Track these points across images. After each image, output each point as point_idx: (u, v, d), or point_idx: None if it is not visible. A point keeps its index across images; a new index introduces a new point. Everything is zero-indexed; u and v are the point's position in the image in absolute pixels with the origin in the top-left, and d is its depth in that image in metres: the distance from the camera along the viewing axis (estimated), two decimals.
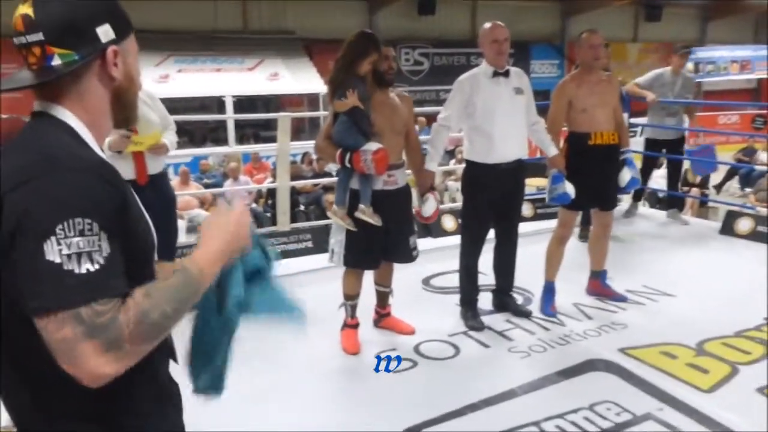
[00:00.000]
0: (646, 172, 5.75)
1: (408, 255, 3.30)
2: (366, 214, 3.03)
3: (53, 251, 0.91)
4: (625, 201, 5.82)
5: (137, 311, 0.96)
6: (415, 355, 3.18)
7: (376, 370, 3.07)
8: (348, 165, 2.99)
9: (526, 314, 3.64)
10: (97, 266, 0.93)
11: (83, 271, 0.92)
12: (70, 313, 0.91)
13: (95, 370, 0.93)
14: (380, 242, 3.14)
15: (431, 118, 3.67)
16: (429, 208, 3.35)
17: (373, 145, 2.93)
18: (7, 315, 0.99)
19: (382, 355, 3.15)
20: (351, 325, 3.31)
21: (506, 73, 3.38)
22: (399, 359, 3.13)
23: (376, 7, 13.97)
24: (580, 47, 3.62)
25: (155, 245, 1.16)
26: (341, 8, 13.61)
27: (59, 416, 1.04)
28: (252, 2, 12.85)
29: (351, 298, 3.28)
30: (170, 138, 3.52)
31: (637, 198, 5.93)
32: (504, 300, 3.73)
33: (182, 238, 4.19)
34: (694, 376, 2.91)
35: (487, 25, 3.40)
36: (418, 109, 3.67)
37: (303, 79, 12.23)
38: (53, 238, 0.92)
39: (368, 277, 3.37)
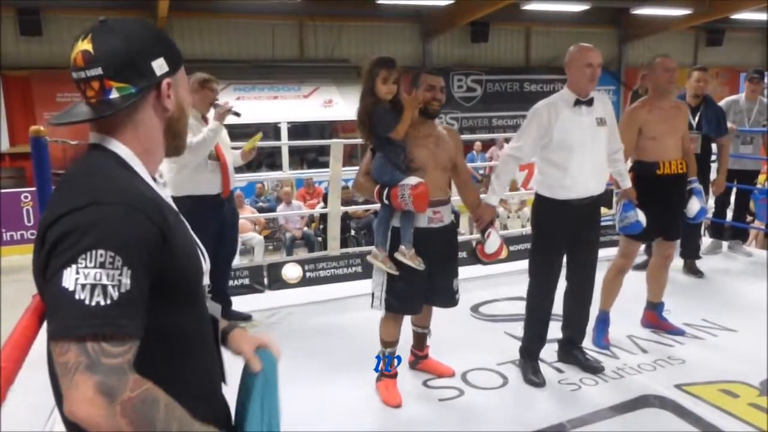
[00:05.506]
0: (724, 204, 5.53)
1: (450, 299, 3.06)
2: (406, 256, 2.82)
3: (70, 279, 0.93)
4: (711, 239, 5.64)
5: (149, 394, 0.95)
6: (462, 384, 3.15)
7: (376, 369, 3.04)
8: (386, 202, 2.81)
9: (599, 371, 3.23)
10: (109, 301, 0.93)
11: (93, 303, 0.92)
12: (75, 342, 0.92)
13: (79, 403, 0.91)
14: (424, 285, 2.91)
15: (486, 145, 3.62)
16: (492, 244, 3.05)
17: (412, 180, 2.74)
18: None
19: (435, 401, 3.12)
20: (389, 375, 3.03)
21: (589, 102, 3.03)
22: (399, 359, 3.06)
23: (429, 35, 14.12)
24: (653, 71, 3.51)
25: (203, 271, 1.18)
26: (394, 36, 13.82)
27: None
28: (308, 32, 13.25)
29: (389, 345, 3.03)
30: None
31: (739, 237, 5.69)
32: (572, 353, 3.34)
33: (235, 261, 4.32)
34: (757, 417, 2.76)
35: (578, 47, 3.06)
36: (470, 136, 3.66)
37: (356, 105, 12.31)
38: (73, 266, 0.93)
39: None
